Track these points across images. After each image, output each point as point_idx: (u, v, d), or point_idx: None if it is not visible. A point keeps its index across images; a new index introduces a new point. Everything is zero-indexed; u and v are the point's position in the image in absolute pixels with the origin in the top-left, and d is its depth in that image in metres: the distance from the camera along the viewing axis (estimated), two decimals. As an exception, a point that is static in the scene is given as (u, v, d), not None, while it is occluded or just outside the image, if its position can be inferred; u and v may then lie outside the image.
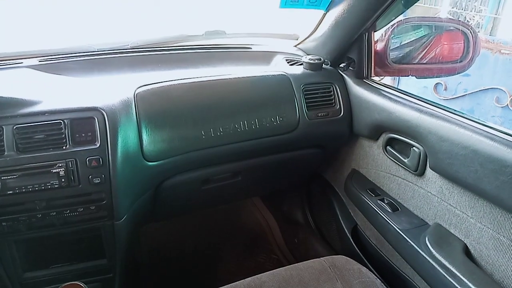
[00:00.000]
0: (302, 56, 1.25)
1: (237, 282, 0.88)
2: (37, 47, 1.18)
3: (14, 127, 0.80)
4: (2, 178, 0.79)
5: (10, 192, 0.80)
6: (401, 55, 1.21)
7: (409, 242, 0.92)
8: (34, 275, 0.94)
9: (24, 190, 0.80)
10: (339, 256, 0.96)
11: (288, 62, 1.27)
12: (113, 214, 0.90)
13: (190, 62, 1.22)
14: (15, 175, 0.80)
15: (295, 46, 1.39)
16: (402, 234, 0.95)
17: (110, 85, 0.99)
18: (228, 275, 1.45)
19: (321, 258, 0.95)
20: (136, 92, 0.95)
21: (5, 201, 0.80)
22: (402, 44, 1.22)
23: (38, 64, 1.08)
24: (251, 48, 1.37)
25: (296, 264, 0.94)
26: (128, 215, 0.94)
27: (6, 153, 0.79)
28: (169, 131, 0.96)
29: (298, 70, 1.18)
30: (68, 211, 0.86)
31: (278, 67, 1.25)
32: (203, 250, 1.51)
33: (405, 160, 1.00)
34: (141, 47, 1.22)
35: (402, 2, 1.02)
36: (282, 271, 0.91)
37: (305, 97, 1.11)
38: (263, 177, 1.31)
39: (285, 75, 1.13)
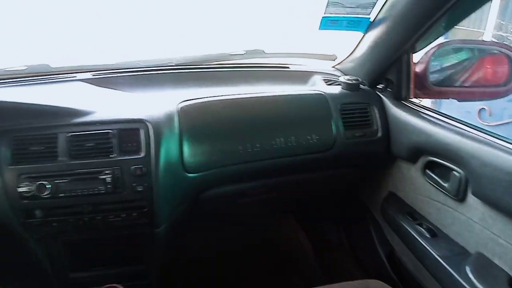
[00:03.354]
0: (339, 76, 1.26)
1: None
2: (89, 62, 1.28)
3: (68, 135, 0.87)
4: (55, 181, 0.84)
5: (62, 195, 0.85)
6: (441, 77, 1.19)
7: (449, 271, 0.88)
8: (78, 275, 0.99)
9: (73, 194, 0.86)
10: (374, 280, 0.94)
11: (325, 82, 1.28)
12: (153, 222, 0.94)
13: (230, 80, 1.26)
14: (66, 179, 0.85)
15: (333, 66, 1.40)
16: (442, 261, 0.91)
17: (155, 99, 1.05)
18: None
19: (356, 281, 0.93)
20: (179, 107, 1.00)
21: (57, 203, 0.86)
22: (442, 66, 1.20)
23: (91, 78, 1.17)
24: (289, 68, 1.40)
25: (329, 285, 0.92)
26: (166, 224, 0.97)
27: (59, 158, 0.86)
28: (209, 144, 1.00)
29: (335, 89, 1.19)
30: (112, 216, 0.90)
31: (316, 86, 1.27)
32: (233, 265, 1.52)
33: (445, 185, 0.97)
34: (184, 64, 1.29)
35: (443, 24, 1.02)
36: None
37: (342, 116, 1.12)
38: (298, 195, 1.31)
39: (322, 94, 1.14)
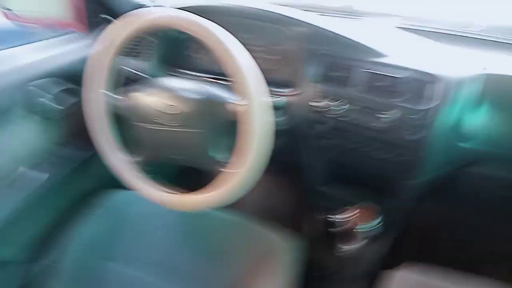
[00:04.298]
0: None
1: None
2: (389, 11, 1.33)
3: (363, 70, 0.95)
4: (343, 106, 0.96)
5: (344, 118, 0.97)
6: None
7: None
8: (329, 190, 1.15)
9: (354, 121, 0.97)
10: None
11: None
12: (412, 171, 0.96)
13: None
14: (352, 107, 0.96)
15: None
16: None
17: (456, 59, 1.01)
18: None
19: None
20: (480, 74, 0.94)
21: (338, 124, 0.99)
22: None
23: (399, 26, 1.21)
24: None
25: None
26: (422, 179, 0.98)
27: (351, 88, 0.96)
28: (500, 122, 0.91)
29: None
30: (379, 153, 0.97)
31: None
32: (465, 253, 1.37)
33: None
34: (492, 32, 1.16)
35: None
36: None
37: None
38: None
39: None
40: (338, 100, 0.97)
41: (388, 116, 0.93)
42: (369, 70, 0.95)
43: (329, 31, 1.03)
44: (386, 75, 0.94)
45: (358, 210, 0.93)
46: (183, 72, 1.17)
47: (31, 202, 0.97)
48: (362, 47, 1.00)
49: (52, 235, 1.14)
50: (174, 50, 1.20)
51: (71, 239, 0.99)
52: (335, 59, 1.00)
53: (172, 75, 1.16)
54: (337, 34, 1.01)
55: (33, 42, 1.09)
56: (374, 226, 0.90)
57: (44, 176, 1.02)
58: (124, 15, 0.83)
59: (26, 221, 1.02)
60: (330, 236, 0.98)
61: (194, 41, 1.17)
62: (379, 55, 0.98)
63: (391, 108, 0.93)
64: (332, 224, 0.96)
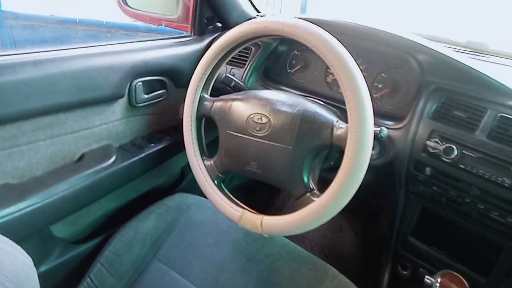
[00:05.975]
0: None
1: None
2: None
3: (498, 115, 0.79)
4: (463, 151, 0.81)
5: (461, 166, 0.82)
6: None
7: None
8: (414, 243, 0.97)
9: (473, 171, 0.80)
10: None
11: None
12: None
13: None
14: (474, 155, 0.80)
15: None
16: None
17: None
18: None
19: None
20: None
21: (450, 171, 0.83)
22: None
23: None
24: None
25: None
26: None
27: (477, 132, 0.81)
28: None
29: None
30: (495, 214, 0.80)
31: None
32: None
33: None
34: None
35: None
36: None
37: None
38: None
39: None
40: (457, 144, 0.82)
41: None
42: (507, 115, 0.79)
43: (460, 62, 0.88)
44: None
45: (442, 277, 0.74)
46: (282, 88, 1.12)
47: (97, 184, 0.95)
48: (500, 87, 0.83)
49: (110, 222, 1.13)
50: (276, 66, 1.17)
51: (128, 230, 0.97)
52: (461, 96, 0.85)
53: (269, 88, 1.12)
54: (470, 67, 0.86)
55: (150, 40, 1.14)
56: None
57: (116, 161, 0.99)
58: (240, 25, 0.80)
59: (88, 202, 0.99)
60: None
61: (296, 59, 1.13)
62: None
63: None
64: (405, 281, 0.79)
